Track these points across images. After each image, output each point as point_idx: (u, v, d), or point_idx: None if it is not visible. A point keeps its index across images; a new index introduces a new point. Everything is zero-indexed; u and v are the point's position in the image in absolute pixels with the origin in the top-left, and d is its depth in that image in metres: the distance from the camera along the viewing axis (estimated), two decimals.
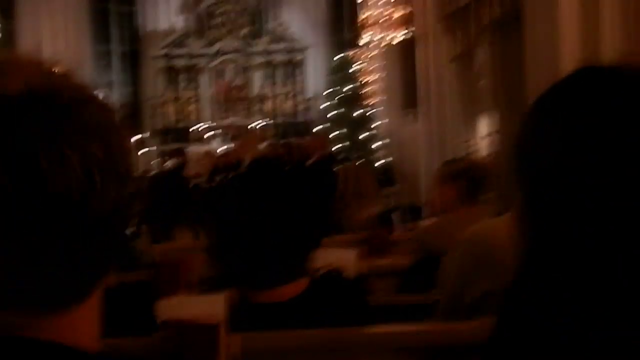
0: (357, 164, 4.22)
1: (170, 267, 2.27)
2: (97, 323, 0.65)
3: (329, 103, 13.59)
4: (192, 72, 15.12)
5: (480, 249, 1.50)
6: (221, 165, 7.96)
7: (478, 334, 1.46)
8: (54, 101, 0.58)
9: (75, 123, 0.58)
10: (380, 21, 9.76)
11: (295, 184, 1.50)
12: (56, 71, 0.63)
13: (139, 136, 14.31)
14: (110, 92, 15.97)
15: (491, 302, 1.49)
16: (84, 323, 0.61)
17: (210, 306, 1.43)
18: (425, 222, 3.38)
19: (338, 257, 2.38)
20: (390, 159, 13.16)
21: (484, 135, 7.71)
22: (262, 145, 7.80)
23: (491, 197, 6.12)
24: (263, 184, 1.48)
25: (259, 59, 15.18)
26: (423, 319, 1.86)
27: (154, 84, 15.30)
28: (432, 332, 1.45)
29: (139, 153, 14.08)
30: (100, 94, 0.68)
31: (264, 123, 14.86)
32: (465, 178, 2.68)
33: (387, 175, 12.25)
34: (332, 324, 1.44)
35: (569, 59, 4.18)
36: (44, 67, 0.62)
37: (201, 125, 14.87)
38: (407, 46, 10.45)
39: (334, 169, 6.55)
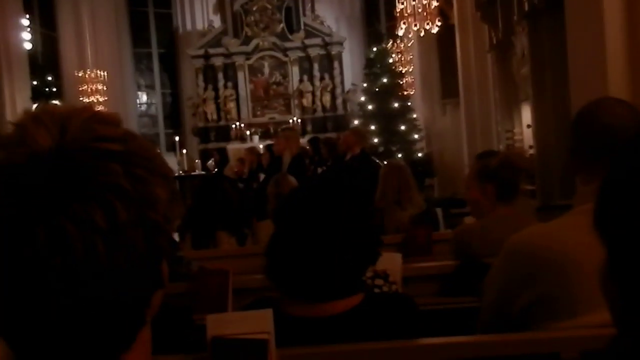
0: (397, 161, 4.19)
1: (216, 275, 2.31)
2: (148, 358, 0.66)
3: (366, 96, 13.52)
4: (230, 70, 15.26)
5: (522, 258, 1.48)
6: (263, 162, 8.02)
7: (528, 346, 1.45)
8: (75, 161, 0.57)
9: (89, 186, 0.56)
10: (416, 12, 9.64)
11: (352, 195, 1.50)
12: (96, 121, 0.61)
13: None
14: (152, 93, 16.27)
15: (538, 312, 1.47)
16: None
17: (258, 321, 1.45)
18: (467, 220, 3.33)
19: (384, 260, 2.38)
20: (429, 150, 13.05)
21: (526, 125, 7.55)
22: (300, 142, 7.82)
23: (533, 189, 6.01)
24: (324, 197, 1.50)
25: (296, 54, 15.21)
26: (464, 325, 1.84)
27: (193, 84, 15.50)
28: (483, 344, 1.44)
29: (182, 153, 14.30)
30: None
31: (302, 119, 14.90)
32: (497, 178, 2.55)
33: (426, 167, 12.15)
34: (383, 338, 1.44)
35: (613, 46, 4.06)
36: (83, 118, 0.61)
37: (241, 123, 15.00)
38: (444, 36, 10.31)
39: (374, 164, 6.54)
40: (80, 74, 13.24)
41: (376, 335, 1.46)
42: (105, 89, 13.38)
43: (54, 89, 12.30)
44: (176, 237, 3.85)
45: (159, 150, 0.67)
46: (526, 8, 6.59)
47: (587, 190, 1.54)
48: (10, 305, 0.57)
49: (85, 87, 13.19)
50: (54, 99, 12.23)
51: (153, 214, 0.60)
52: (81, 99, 13.13)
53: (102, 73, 13.36)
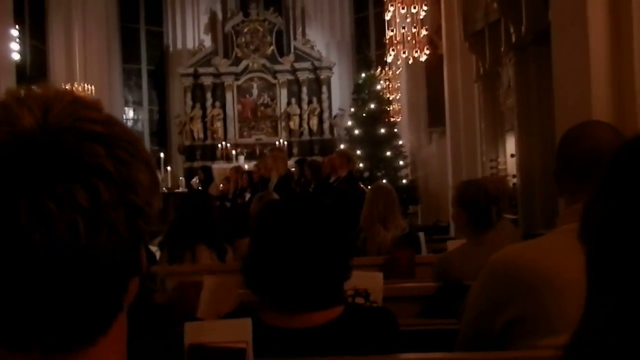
0: (384, 184, 4.20)
1: (194, 287, 2.28)
2: (121, 355, 0.65)
3: (353, 121, 13.61)
4: (219, 90, 15.31)
5: (503, 276, 1.48)
6: (247, 183, 8.01)
7: None
8: (59, 141, 0.57)
9: (72, 165, 0.56)
10: (405, 40, 9.77)
11: (330, 211, 1.52)
12: (79, 104, 0.61)
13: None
14: (139, 109, 16.24)
15: (517, 330, 1.46)
16: (106, 357, 0.62)
17: (236, 330, 1.43)
18: (450, 244, 3.34)
19: (365, 279, 2.38)
20: (414, 177, 13.12)
21: (509, 154, 7.63)
22: (288, 163, 7.82)
23: (515, 218, 6.05)
24: (303, 210, 1.51)
25: (285, 77, 15.31)
26: (444, 346, 1.83)
27: (181, 102, 15.51)
28: None
29: (166, 170, 14.24)
30: (125, 121, 0.65)
31: (289, 141, 14.94)
32: (470, 207, 2.63)
33: (410, 194, 12.20)
34: (363, 351, 1.43)
35: (598, 78, 4.14)
36: (67, 101, 0.61)
37: (227, 142, 14.99)
38: (432, 65, 10.44)
39: (358, 188, 6.55)
40: (68, 87, 13.19)
41: (355, 348, 1.45)
42: None
43: None
44: (157, 253, 3.81)
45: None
46: (513, 40, 6.71)
47: (570, 211, 1.55)
48: None
49: None
50: None
51: (135, 197, 0.59)
52: None
53: (90, 87, 13.34)
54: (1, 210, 0.55)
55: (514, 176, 7.15)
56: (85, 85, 13.29)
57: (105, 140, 0.59)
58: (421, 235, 4.26)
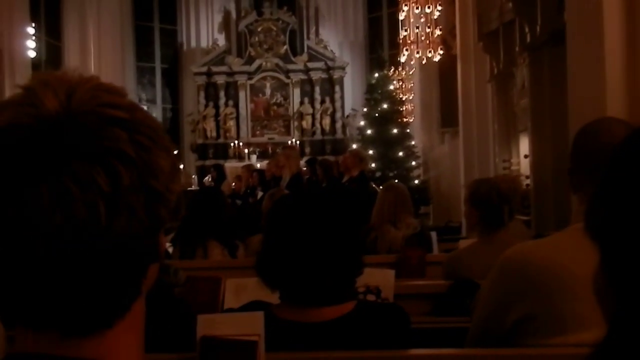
0: (395, 183, 4.20)
1: (207, 282, 2.29)
2: (138, 340, 0.66)
3: (366, 121, 13.60)
4: (232, 88, 15.35)
5: (515, 273, 1.47)
6: (258, 181, 8.02)
7: None
8: (82, 125, 0.57)
9: (94, 148, 0.57)
10: (419, 40, 9.75)
11: (341, 207, 1.53)
12: (102, 89, 0.62)
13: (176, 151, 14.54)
14: (153, 107, 16.32)
15: (528, 328, 1.46)
16: (123, 341, 0.63)
17: (249, 323, 1.44)
18: (461, 243, 3.33)
19: (376, 277, 2.38)
20: (426, 177, 13.08)
21: (523, 155, 7.59)
22: (300, 162, 7.83)
23: (527, 219, 6.01)
24: (315, 205, 1.51)
25: (298, 77, 15.32)
26: (455, 344, 1.83)
27: (194, 100, 15.57)
28: (473, 357, 1.43)
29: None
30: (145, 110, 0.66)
31: (301, 140, 14.95)
32: (482, 206, 2.63)
33: (422, 195, 12.17)
34: (374, 347, 1.44)
35: (613, 80, 4.11)
36: (90, 86, 0.61)
37: (240, 141, 15.03)
38: (445, 65, 10.42)
39: (370, 188, 6.54)
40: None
41: (366, 343, 1.46)
42: None
43: None
44: (169, 248, 3.83)
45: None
46: (528, 40, 6.68)
47: (582, 210, 1.54)
48: (7, 263, 0.57)
49: None
50: None
51: (155, 182, 0.60)
52: None
53: None
54: (25, 191, 0.56)
55: (527, 177, 7.11)
56: None
57: (128, 126, 0.60)
58: (433, 234, 4.25)
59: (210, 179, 13.09)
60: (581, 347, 1.37)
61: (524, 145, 7.47)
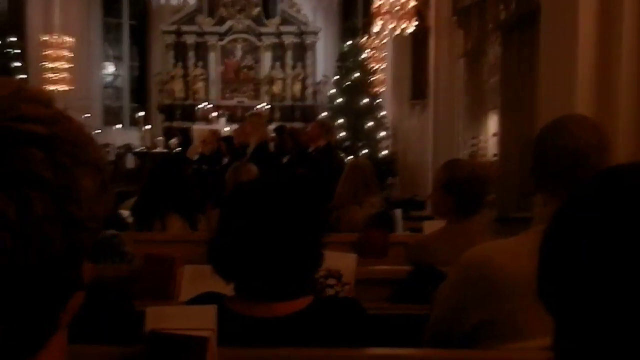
0: (362, 160, 4.14)
1: (161, 261, 2.22)
2: None
3: (335, 89, 13.47)
4: (201, 49, 15.00)
5: (475, 279, 1.44)
6: (225, 149, 7.91)
7: None
8: None
9: (2, 174, 0.50)
10: (393, 10, 9.61)
11: (303, 197, 1.46)
12: (22, 99, 0.53)
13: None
14: (120, 64, 15.88)
15: (487, 332, 1.44)
16: None
17: (201, 317, 1.38)
18: (426, 225, 3.31)
19: (338, 261, 2.34)
20: (395, 149, 13.09)
21: (491, 133, 7.62)
22: (267, 130, 7.72)
23: (491, 201, 6.06)
24: (274, 195, 1.44)
25: (270, 40, 15.04)
26: (414, 332, 1.81)
27: (163, 60, 15.20)
28: (430, 358, 1.41)
29: (145, 128, 14.03)
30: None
31: (271, 105, 14.77)
32: (460, 193, 2.54)
33: (390, 166, 12.19)
34: (329, 344, 1.39)
35: (584, 62, 4.10)
36: (5, 93, 0.53)
37: (208, 104, 14.77)
38: (418, 37, 10.32)
39: (338, 158, 6.50)
40: (45, 38, 12.82)
41: (321, 340, 1.41)
42: (71, 55, 13.00)
43: (17, 51, 11.91)
44: (129, 218, 3.72)
45: (93, 135, 0.59)
46: (502, 17, 6.63)
47: (547, 211, 1.52)
48: None
49: (50, 51, 12.78)
50: (16, 61, 11.86)
51: (76, 208, 0.53)
52: (44, 63, 12.73)
53: (68, 39, 12.97)
54: None
55: (494, 155, 7.15)
56: (64, 37, 12.93)
57: (45, 143, 0.52)
58: (398, 212, 4.22)
59: (176, 142, 12.89)
60: (540, 352, 1.36)
61: (493, 123, 7.49)
